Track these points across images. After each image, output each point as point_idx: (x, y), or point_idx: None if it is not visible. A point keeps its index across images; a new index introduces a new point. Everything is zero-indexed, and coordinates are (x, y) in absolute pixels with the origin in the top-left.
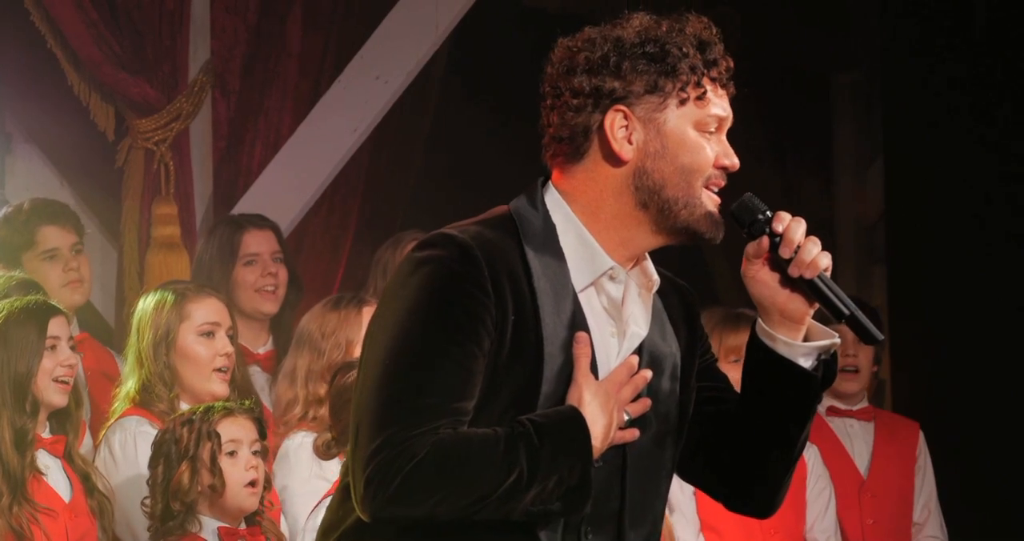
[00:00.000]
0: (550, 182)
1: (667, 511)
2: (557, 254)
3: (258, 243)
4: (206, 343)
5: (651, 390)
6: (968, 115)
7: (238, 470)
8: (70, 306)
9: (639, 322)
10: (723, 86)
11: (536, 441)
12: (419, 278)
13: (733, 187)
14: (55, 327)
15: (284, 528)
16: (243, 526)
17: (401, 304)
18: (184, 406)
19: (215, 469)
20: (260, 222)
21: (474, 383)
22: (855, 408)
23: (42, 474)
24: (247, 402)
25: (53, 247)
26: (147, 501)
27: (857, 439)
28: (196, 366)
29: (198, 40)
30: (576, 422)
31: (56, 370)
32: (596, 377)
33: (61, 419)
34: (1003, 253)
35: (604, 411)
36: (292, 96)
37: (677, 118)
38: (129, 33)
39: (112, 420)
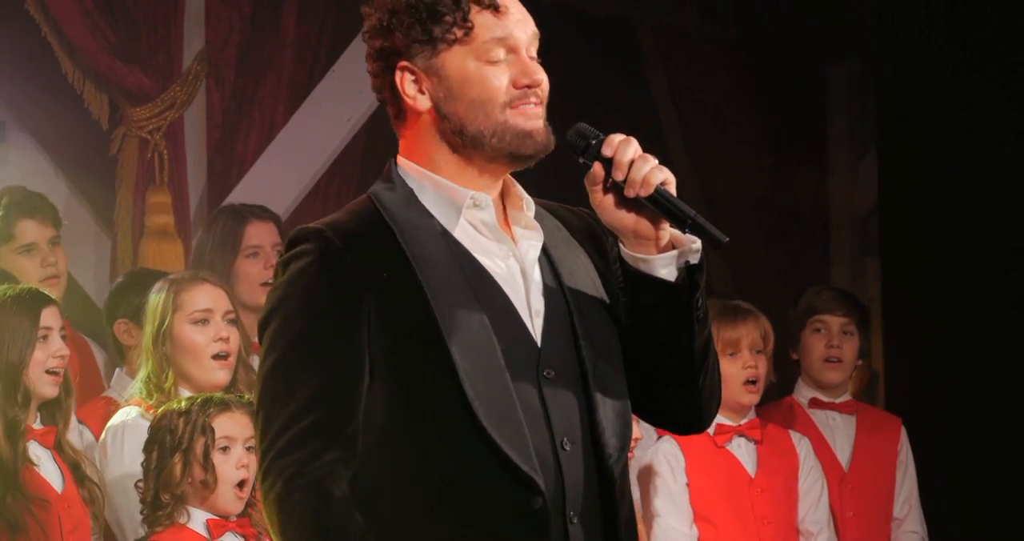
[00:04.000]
0: (398, 155)
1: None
2: (421, 212)
3: (260, 235)
4: (200, 330)
5: (575, 290)
6: (963, 106)
7: (230, 467)
8: None
9: (529, 235)
10: (497, 10)
11: None
12: (285, 289)
13: (728, 178)
14: (48, 317)
15: None
16: (233, 518)
17: (276, 320)
18: (185, 396)
19: (208, 465)
20: (262, 214)
21: (351, 381)
22: (838, 401)
23: (34, 465)
24: (245, 396)
25: (31, 241)
26: (140, 484)
27: (839, 432)
28: (194, 355)
29: (193, 29)
30: None
31: (48, 361)
32: (508, 299)
33: (51, 409)
34: (998, 245)
35: None
36: (286, 85)
37: (454, 58)
38: (124, 22)
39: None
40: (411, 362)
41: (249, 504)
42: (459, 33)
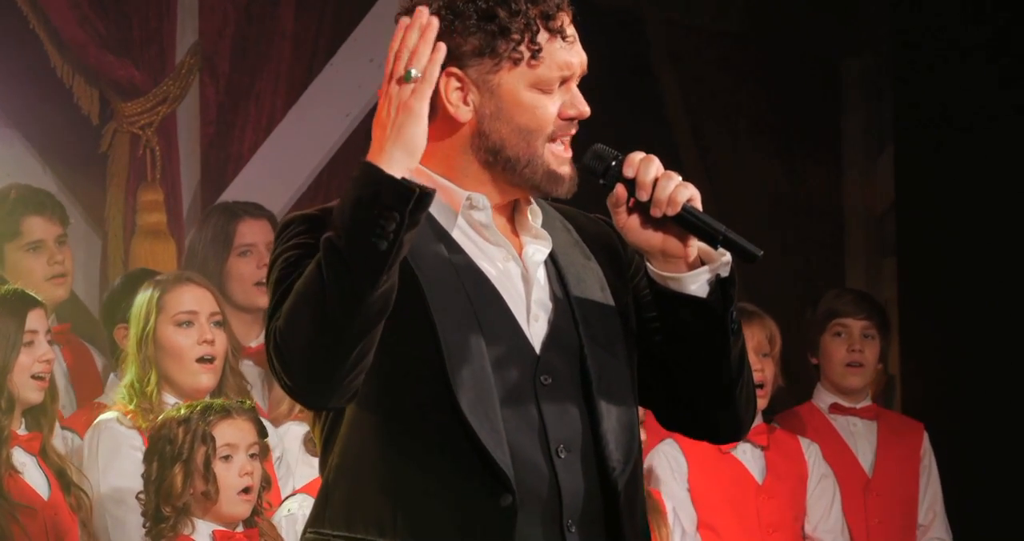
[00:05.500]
0: None
1: (669, 507)
2: None
3: (253, 233)
4: (184, 333)
5: (582, 299)
6: (980, 103)
7: (232, 476)
8: (53, 300)
9: (536, 241)
10: (564, 38)
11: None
12: (285, 243)
13: (739, 177)
14: (33, 320)
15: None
16: (240, 529)
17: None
18: (169, 400)
19: (209, 475)
20: (255, 211)
21: None
22: (859, 406)
23: (18, 472)
24: (247, 402)
25: (38, 239)
26: (141, 496)
27: (860, 438)
28: (177, 358)
29: (186, 21)
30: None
31: (34, 366)
32: (504, 301)
33: (36, 414)
34: (1017, 244)
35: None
36: (283, 80)
37: (512, 79)
38: (114, 14)
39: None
40: (399, 345)
41: (256, 512)
42: (525, 54)
